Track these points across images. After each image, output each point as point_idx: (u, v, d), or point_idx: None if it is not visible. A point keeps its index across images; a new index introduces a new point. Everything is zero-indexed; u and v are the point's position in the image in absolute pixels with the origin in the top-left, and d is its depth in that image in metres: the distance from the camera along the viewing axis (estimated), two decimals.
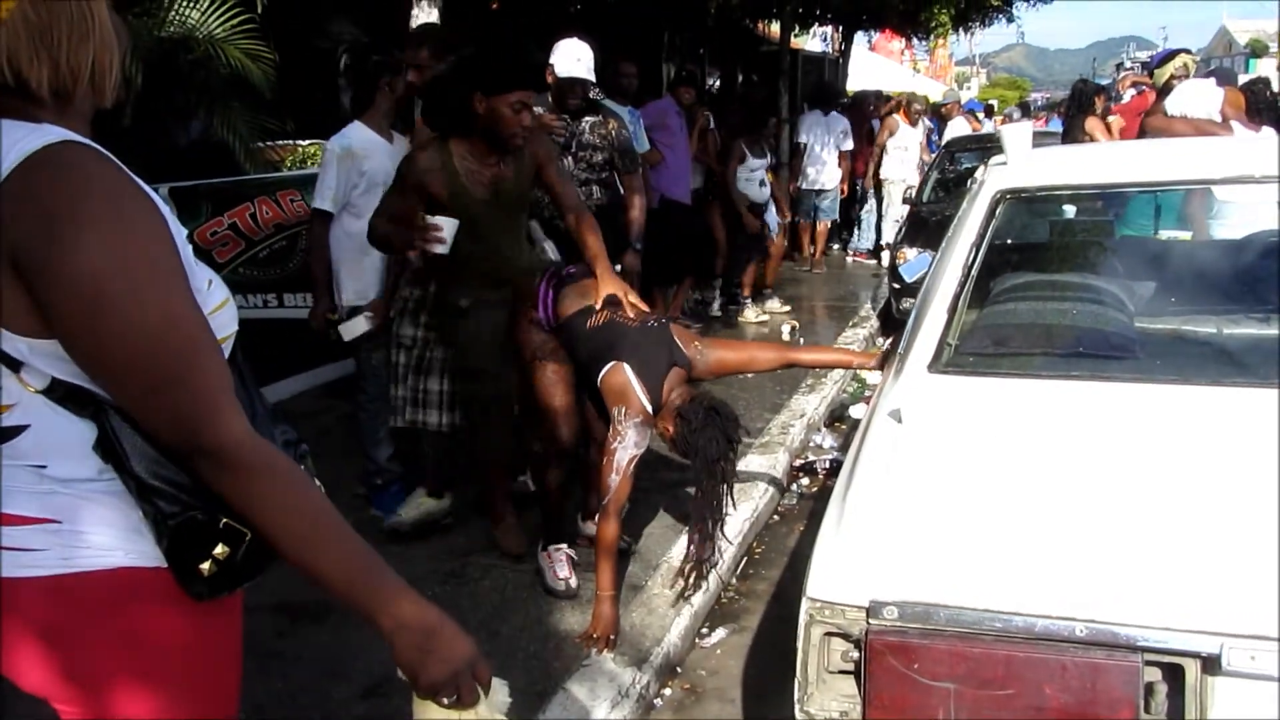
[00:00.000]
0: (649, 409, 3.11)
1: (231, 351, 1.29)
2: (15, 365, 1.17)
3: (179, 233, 1.21)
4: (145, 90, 4.55)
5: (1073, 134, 6.85)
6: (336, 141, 3.80)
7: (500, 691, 1.32)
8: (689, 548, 3.19)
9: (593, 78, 4.48)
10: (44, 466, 1.21)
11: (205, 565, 1.22)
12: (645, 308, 3.32)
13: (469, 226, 3.31)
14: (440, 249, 3.25)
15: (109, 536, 1.22)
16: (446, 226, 3.24)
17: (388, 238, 3.43)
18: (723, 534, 3.20)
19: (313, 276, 3.96)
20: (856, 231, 11.23)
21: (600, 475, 3.17)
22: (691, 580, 3.20)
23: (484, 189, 3.36)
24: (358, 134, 3.86)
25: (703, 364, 3.32)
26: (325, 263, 3.86)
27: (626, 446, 3.08)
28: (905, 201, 9.06)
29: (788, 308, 8.15)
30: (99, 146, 1.17)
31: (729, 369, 3.51)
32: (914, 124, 10.71)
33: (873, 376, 5.36)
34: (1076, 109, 6.98)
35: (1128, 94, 9.82)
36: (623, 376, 3.10)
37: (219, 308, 1.27)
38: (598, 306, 3.23)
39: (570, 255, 3.72)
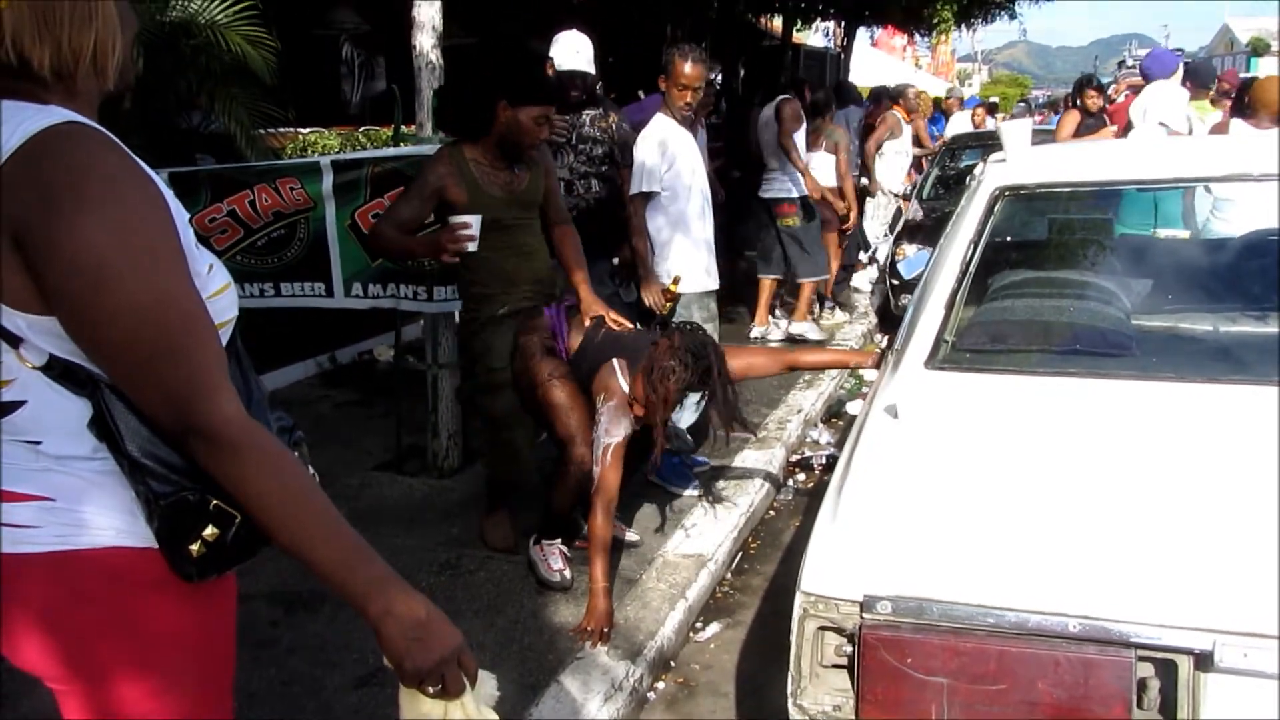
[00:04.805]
0: (627, 395, 3.14)
1: (231, 337, 1.30)
2: (14, 341, 1.18)
3: (180, 216, 1.22)
4: (147, 75, 4.54)
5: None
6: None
7: (488, 683, 1.32)
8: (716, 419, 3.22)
9: (593, 70, 4.47)
10: (39, 443, 1.22)
11: (194, 546, 1.22)
12: (628, 324, 3.42)
13: (489, 227, 3.32)
14: (471, 247, 3.26)
15: (102, 516, 1.23)
16: (473, 223, 3.25)
17: (402, 246, 3.44)
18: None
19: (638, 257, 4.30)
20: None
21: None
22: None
23: (499, 189, 3.39)
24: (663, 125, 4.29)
25: None
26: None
27: (599, 435, 3.11)
28: (899, 210, 8.72)
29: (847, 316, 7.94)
30: (103, 129, 1.18)
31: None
32: (909, 120, 9.80)
33: (870, 374, 5.36)
34: (1073, 102, 6.97)
35: (1122, 96, 9.81)
36: (610, 370, 3.18)
37: (219, 293, 1.28)
38: (586, 325, 3.35)
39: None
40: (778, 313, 7.59)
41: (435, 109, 3.95)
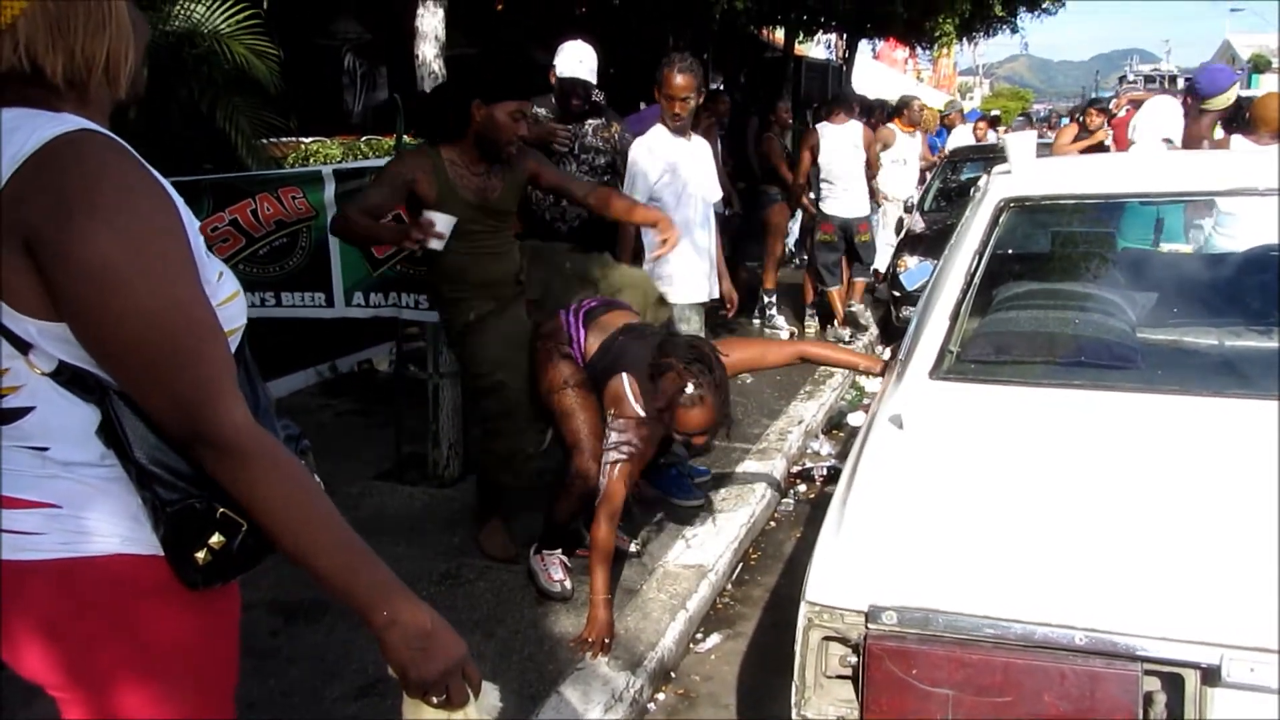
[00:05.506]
0: (639, 413, 3.12)
1: (239, 344, 1.30)
2: (24, 347, 1.17)
3: (191, 224, 1.22)
4: (150, 85, 4.56)
5: None
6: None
7: (491, 694, 1.32)
8: None
9: (595, 79, 4.48)
10: (46, 449, 1.21)
11: (200, 554, 1.22)
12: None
13: (456, 232, 3.31)
14: (436, 244, 3.24)
15: (108, 523, 1.22)
16: (441, 222, 3.23)
17: (366, 231, 3.39)
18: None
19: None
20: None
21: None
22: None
23: (472, 194, 3.37)
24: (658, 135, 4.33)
25: None
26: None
27: (607, 449, 3.11)
28: (901, 221, 8.77)
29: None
30: (115, 137, 1.18)
31: (742, 367, 3.56)
32: (913, 132, 9.64)
33: (871, 384, 5.36)
34: (1076, 119, 7.07)
35: (1123, 110, 9.84)
36: (620, 384, 3.15)
37: (228, 300, 1.28)
38: (660, 238, 3.46)
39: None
40: (779, 319, 7.63)
41: (406, 113, 3.91)
